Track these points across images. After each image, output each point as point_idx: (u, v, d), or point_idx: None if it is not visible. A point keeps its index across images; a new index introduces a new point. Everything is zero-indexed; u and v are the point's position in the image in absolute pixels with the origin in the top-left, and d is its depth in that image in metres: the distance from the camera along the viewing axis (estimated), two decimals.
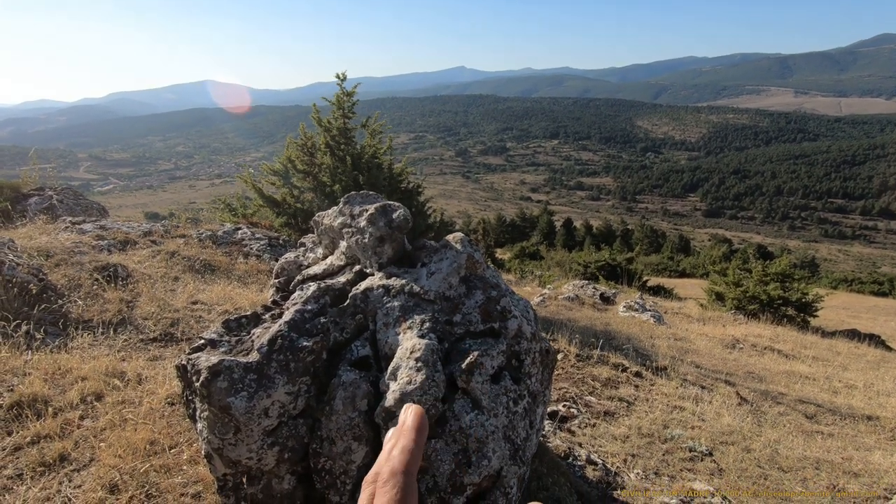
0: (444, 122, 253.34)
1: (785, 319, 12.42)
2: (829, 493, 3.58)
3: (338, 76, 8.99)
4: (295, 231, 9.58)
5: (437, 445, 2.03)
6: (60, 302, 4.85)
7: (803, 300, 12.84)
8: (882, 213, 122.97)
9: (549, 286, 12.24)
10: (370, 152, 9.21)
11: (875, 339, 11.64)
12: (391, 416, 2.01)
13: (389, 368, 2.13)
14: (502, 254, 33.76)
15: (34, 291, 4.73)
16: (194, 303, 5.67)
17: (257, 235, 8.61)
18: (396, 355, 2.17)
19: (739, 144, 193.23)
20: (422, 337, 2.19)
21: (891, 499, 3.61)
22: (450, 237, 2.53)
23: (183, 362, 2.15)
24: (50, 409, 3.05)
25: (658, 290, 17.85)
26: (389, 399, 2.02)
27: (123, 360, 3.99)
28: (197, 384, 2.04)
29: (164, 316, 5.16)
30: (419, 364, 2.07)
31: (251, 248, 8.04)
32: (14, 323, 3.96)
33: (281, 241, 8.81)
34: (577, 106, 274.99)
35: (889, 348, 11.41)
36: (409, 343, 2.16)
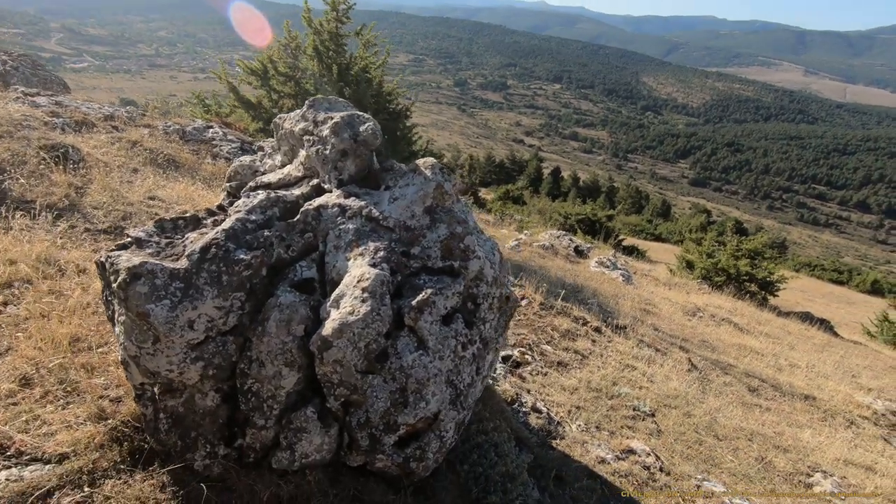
0: (447, 48, 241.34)
1: (747, 294, 12.74)
2: (756, 465, 3.71)
3: None
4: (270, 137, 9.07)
5: (374, 382, 1.91)
6: (0, 178, 4.47)
7: (768, 279, 13.14)
8: (858, 206, 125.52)
9: (526, 232, 12.15)
10: (360, 64, 8.58)
11: (825, 324, 12.11)
12: (328, 346, 1.86)
13: (333, 295, 1.96)
14: (486, 194, 33.38)
15: None
16: (151, 198, 5.33)
17: (229, 137, 8.10)
18: (343, 282, 1.98)
19: (739, 117, 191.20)
20: (373, 266, 2.00)
21: (812, 475, 3.77)
22: (419, 161, 2.29)
23: (102, 259, 1.92)
24: None
25: (632, 251, 18.04)
26: (328, 328, 1.86)
27: (63, 248, 3.72)
28: (114, 285, 1.83)
29: (116, 208, 4.84)
30: (365, 295, 1.89)
31: (221, 150, 7.58)
32: None
33: (255, 147, 8.32)
34: (585, 51, 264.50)
35: (836, 334, 11.91)
36: (358, 271, 1.98)
